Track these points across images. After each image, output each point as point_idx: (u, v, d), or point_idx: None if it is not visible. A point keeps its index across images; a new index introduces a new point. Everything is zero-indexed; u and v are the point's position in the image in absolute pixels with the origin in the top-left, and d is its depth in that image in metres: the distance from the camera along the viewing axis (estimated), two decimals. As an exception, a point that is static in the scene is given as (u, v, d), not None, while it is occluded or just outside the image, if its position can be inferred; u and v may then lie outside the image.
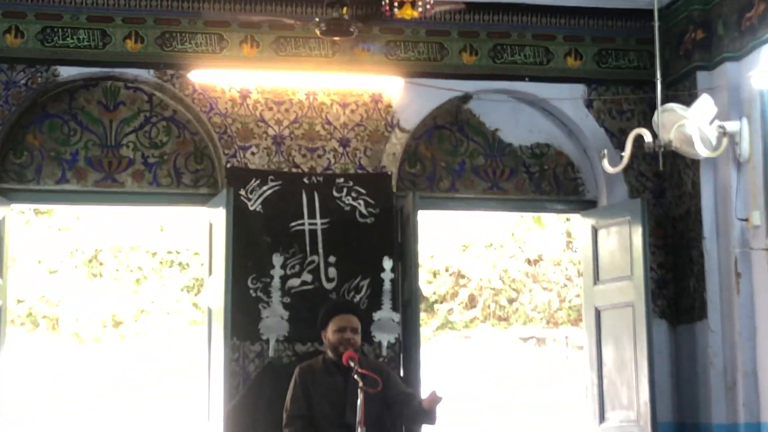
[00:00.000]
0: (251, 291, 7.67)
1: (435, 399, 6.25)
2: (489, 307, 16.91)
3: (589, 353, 8.18)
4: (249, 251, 7.68)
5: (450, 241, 16.66)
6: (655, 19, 6.81)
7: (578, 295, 14.92)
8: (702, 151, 6.71)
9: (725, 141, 6.75)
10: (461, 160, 8.39)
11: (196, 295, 15.95)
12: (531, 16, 8.27)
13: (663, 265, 8.18)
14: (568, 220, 15.50)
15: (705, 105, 7.20)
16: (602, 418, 7.94)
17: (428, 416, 6.43)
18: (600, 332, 8.05)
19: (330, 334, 6.53)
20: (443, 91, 8.15)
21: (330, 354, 6.51)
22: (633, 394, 7.62)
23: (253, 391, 7.54)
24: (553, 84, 8.29)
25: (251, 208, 7.78)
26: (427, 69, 8.15)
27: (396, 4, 7.13)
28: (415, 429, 7.08)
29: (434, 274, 16.69)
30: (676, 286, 8.11)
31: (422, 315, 15.90)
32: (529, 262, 16.84)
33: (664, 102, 7.17)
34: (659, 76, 6.80)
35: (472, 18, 8.16)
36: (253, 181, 7.83)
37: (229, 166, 7.86)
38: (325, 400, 6.45)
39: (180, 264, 16.21)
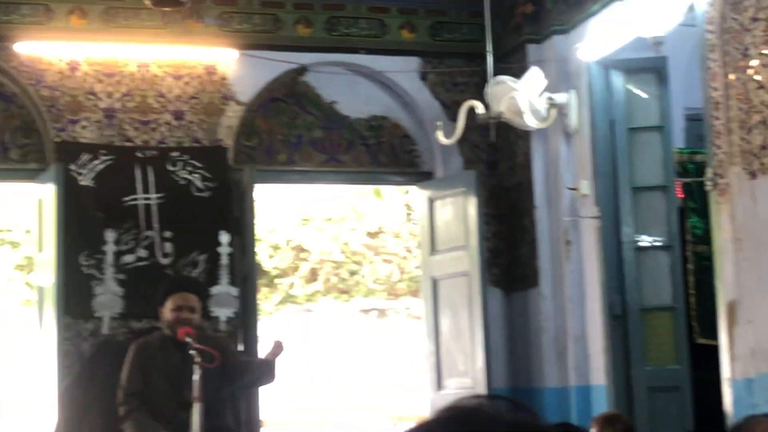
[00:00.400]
0: (84, 268, 7.50)
1: (278, 347, 6.28)
2: (330, 280, 16.96)
3: (427, 323, 8.30)
4: (81, 227, 7.51)
5: (290, 214, 16.64)
6: (486, -7, 6.92)
7: (418, 267, 15.11)
8: (532, 123, 6.87)
9: (554, 112, 6.93)
10: (298, 133, 8.37)
11: (28, 274, 15.52)
12: (366, -12, 8.30)
13: (497, 234, 8.35)
14: (407, 192, 15.68)
15: (534, 77, 7.36)
16: (439, 385, 8.07)
17: (267, 373, 6.46)
18: (437, 302, 8.18)
19: (167, 312, 6.51)
20: (279, 63, 8.10)
21: (167, 331, 6.47)
22: (469, 361, 7.77)
23: (88, 369, 7.39)
24: (389, 57, 8.34)
25: (82, 183, 7.59)
26: (263, 41, 8.08)
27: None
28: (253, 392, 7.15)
29: (275, 248, 16.65)
30: (510, 255, 8.29)
31: (263, 290, 15.89)
32: (369, 234, 16.95)
33: (495, 74, 7.31)
34: (490, 48, 6.91)
35: (308, -10, 8.14)
36: (83, 155, 7.64)
37: (58, 140, 7.65)
38: (163, 376, 6.41)
39: (11, 242, 15.72)
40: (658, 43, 6.07)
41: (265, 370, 6.67)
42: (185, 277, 7.48)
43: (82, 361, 7.44)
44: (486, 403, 1.59)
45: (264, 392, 7.69)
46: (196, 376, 6.04)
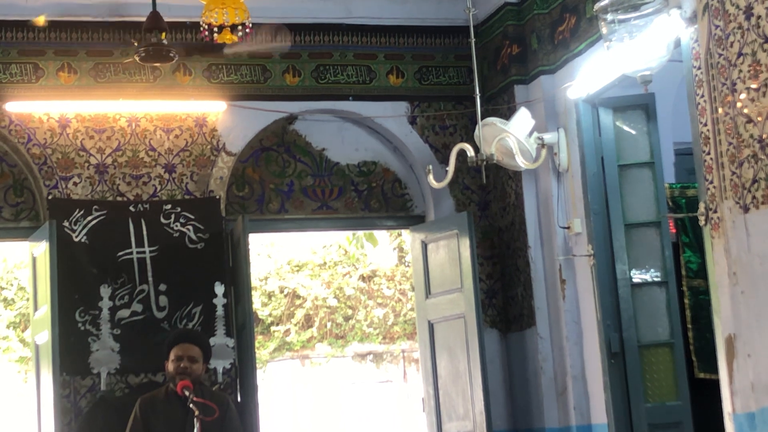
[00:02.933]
0: (79, 324, 7.48)
1: None
2: (326, 325, 16.92)
3: (424, 366, 8.27)
4: (75, 284, 7.50)
5: (284, 261, 16.62)
6: (471, 36, 6.96)
7: (413, 309, 15.07)
8: (522, 163, 6.88)
9: (544, 152, 6.95)
10: (289, 181, 8.39)
11: (23, 331, 15.45)
12: (352, 35, 8.35)
13: (491, 275, 8.35)
14: (399, 235, 15.68)
15: (523, 118, 7.39)
16: (440, 429, 8.03)
17: None
18: (434, 345, 8.15)
19: (169, 363, 6.61)
20: (268, 113, 8.14)
21: (171, 384, 6.53)
22: (468, 404, 7.74)
23: (86, 426, 7.36)
24: (377, 102, 8.38)
25: (76, 240, 7.59)
26: (251, 91, 8.13)
27: (215, 29, 7.11)
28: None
29: (269, 296, 16.61)
30: (505, 296, 8.29)
31: (258, 338, 15.84)
32: (363, 278, 16.93)
33: (484, 116, 7.34)
34: (478, 91, 6.94)
35: (294, 39, 8.18)
36: (76, 211, 7.64)
37: (50, 197, 7.66)
38: (165, 430, 6.41)
39: (5, 299, 15.67)
40: (646, 81, 6.10)
41: None
42: (186, 329, 7.48)
43: (80, 418, 7.40)
44: None
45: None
46: (195, 430, 6.03)
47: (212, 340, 7.59)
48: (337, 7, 8.28)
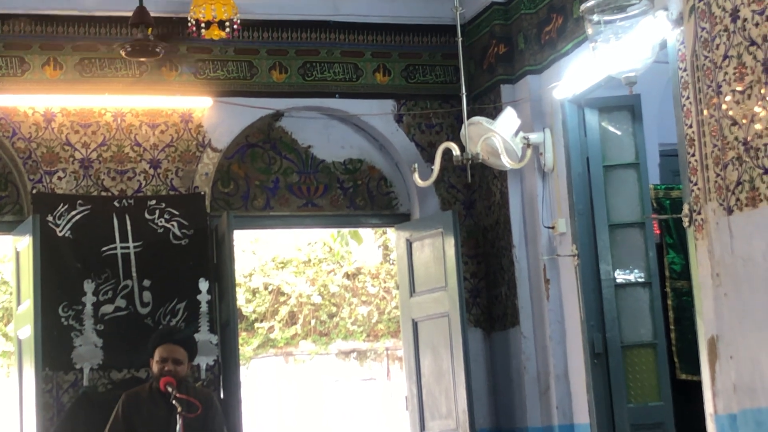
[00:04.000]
0: (63, 319, 7.46)
1: None
2: (310, 323, 16.90)
3: (408, 364, 8.28)
4: (59, 278, 7.47)
5: (268, 258, 16.60)
6: (458, 35, 6.96)
7: (397, 307, 15.09)
8: (508, 163, 6.89)
9: (529, 152, 6.95)
10: (275, 178, 8.38)
11: (5, 325, 15.40)
12: (339, 33, 8.34)
13: (476, 274, 8.37)
14: (384, 233, 15.68)
15: (509, 117, 7.41)
16: (423, 427, 8.04)
17: None
18: (418, 343, 8.16)
19: (154, 363, 6.60)
20: (254, 109, 8.13)
21: (155, 383, 6.53)
22: (451, 402, 7.75)
23: (69, 422, 7.33)
24: (363, 100, 8.38)
25: (60, 234, 7.57)
26: (238, 88, 8.12)
27: (203, 24, 7.10)
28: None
29: (253, 293, 16.59)
30: (489, 295, 8.31)
31: (242, 334, 15.82)
32: (347, 276, 16.93)
33: (470, 115, 7.34)
34: (465, 90, 6.95)
35: (281, 36, 8.18)
36: (61, 206, 7.62)
37: (34, 191, 7.63)
38: (146, 427, 6.41)
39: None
40: (631, 83, 6.12)
41: None
42: (173, 329, 7.44)
43: (63, 413, 7.38)
44: None
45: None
46: (178, 426, 6.02)
47: (196, 337, 7.57)
48: (325, 4, 8.27)
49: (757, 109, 5.20)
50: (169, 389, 6.26)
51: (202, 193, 7.95)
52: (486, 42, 8.25)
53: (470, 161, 6.79)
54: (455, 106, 8.22)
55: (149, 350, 6.67)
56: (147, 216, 7.78)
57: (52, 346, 7.32)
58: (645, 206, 7.29)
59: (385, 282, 16.86)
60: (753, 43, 5.23)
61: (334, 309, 16.96)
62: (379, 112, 8.39)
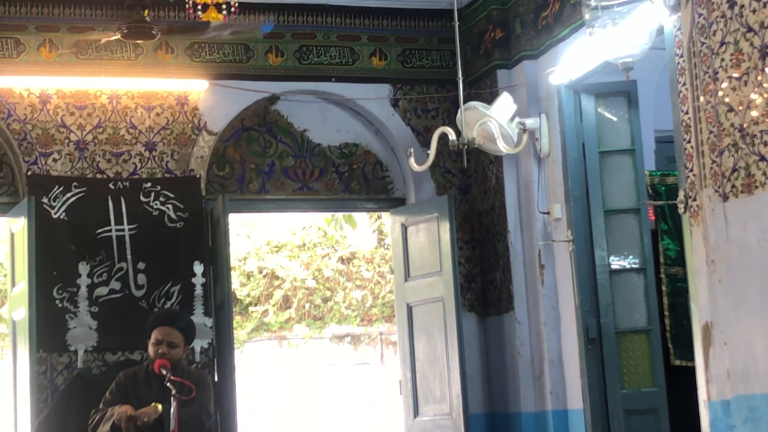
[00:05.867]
0: (57, 301, 7.46)
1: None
2: (304, 307, 16.92)
3: (402, 349, 8.29)
4: (54, 260, 7.47)
5: (263, 242, 16.60)
6: (455, 19, 6.96)
7: (391, 292, 15.10)
8: (503, 148, 6.89)
9: (525, 137, 6.96)
10: (270, 162, 8.38)
11: (0, 307, 15.39)
12: (336, 17, 8.32)
13: (471, 259, 8.37)
14: (379, 217, 15.68)
15: (505, 102, 7.40)
16: (416, 412, 8.06)
17: None
18: (412, 328, 8.17)
19: (150, 345, 6.60)
20: (250, 92, 8.11)
21: (151, 364, 6.54)
22: (445, 387, 7.76)
23: (63, 403, 7.33)
24: (360, 84, 8.37)
25: (55, 216, 7.56)
26: (233, 71, 8.10)
27: (200, 7, 7.07)
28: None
29: (248, 277, 16.59)
30: (484, 280, 8.31)
31: (236, 318, 15.82)
32: (342, 260, 16.93)
33: (466, 100, 7.34)
34: (461, 74, 6.95)
35: (278, 19, 8.15)
36: (56, 188, 7.61)
37: (29, 173, 7.62)
38: (141, 407, 6.42)
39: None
40: (627, 68, 6.11)
41: None
42: (171, 311, 7.42)
43: (57, 395, 7.38)
44: None
45: (241, 421, 7.65)
46: (172, 409, 6.03)
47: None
48: (322, -13, 8.26)
49: (753, 95, 5.20)
50: (164, 372, 6.27)
51: (198, 176, 7.95)
52: (483, 27, 8.23)
53: (466, 146, 6.80)
54: (451, 91, 8.21)
55: (147, 332, 6.67)
56: (142, 198, 7.77)
57: (47, 328, 7.32)
58: (640, 192, 7.29)
59: (379, 266, 16.87)
60: (750, 29, 5.23)
61: (328, 293, 16.97)
62: (375, 97, 8.38)
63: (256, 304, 16.71)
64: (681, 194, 5.81)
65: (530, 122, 7.51)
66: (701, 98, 5.57)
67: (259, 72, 8.14)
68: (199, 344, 7.62)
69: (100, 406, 6.55)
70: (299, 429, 17.27)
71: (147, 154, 7.89)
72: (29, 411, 7.08)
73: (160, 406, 6.19)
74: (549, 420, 7.59)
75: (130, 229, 7.70)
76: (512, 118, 7.40)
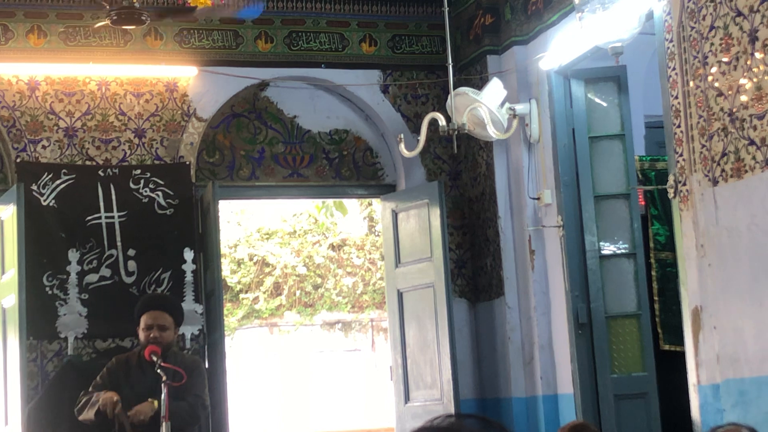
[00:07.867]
0: (47, 288, 7.45)
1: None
2: (294, 294, 16.91)
3: (393, 335, 8.30)
4: (43, 248, 7.46)
5: (253, 229, 16.58)
6: (445, 5, 6.93)
7: (382, 278, 15.10)
8: (493, 133, 6.89)
9: (515, 123, 6.95)
10: (260, 148, 8.36)
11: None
12: (325, 3, 8.31)
13: (461, 245, 8.38)
14: (370, 204, 15.67)
15: (495, 88, 7.39)
16: (407, 398, 8.07)
17: None
18: (403, 314, 8.18)
19: (140, 331, 6.57)
20: (240, 79, 8.10)
21: (142, 350, 6.52)
22: (436, 373, 7.77)
23: (53, 390, 7.33)
24: (349, 70, 8.36)
25: (44, 203, 7.54)
26: (223, 57, 8.08)
27: (188, -9, 7.05)
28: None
29: (238, 263, 16.58)
30: (474, 265, 8.32)
31: (227, 305, 15.81)
32: (332, 247, 16.93)
33: (456, 86, 7.33)
34: (451, 60, 6.93)
35: (267, 5, 8.13)
36: (45, 175, 7.59)
37: (18, 160, 7.60)
38: (132, 394, 6.41)
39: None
40: (617, 53, 6.11)
41: None
42: (157, 295, 7.39)
43: (47, 382, 7.37)
44: (458, 422, 1.59)
45: (232, 408, 7.65)
46: (162, 395, 6.02)
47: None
48: (311, -27, 8.23)
49: (742, 80, 5.20)
50: (154, 358, 6.26)
51: (187, 162, 7.93)
52: (472, 12, 8.22)
53: (456, 132, 6.79)
54: (441, 77, 8.20)
55: (135, 318, 6.64)
56: (132, 185, 7.75)
57: (37, 316, 7.31)
58: (630, 177, 7.30)
59: (370, 253, 16.86)
60: (739, 13, 5.23)
61: (319, 280, 16.96)
62: (365, 83, 8.37)
63: (246, 291, 16.70)
64: (671, 179, 5.82)
65: (520, 108, 7.50)
66: (691, 83, 5.57)
67: (248, 58, 8.13)
68: (189, 331, 7.62)
69: (89, 389, 6.54)
70: (290, 416, 17.29)
71: (136, 140, 7.88)
72: (20, 398, 7.08)
73: (156, 403, 6.16)
74: (539, 405, 7.61)
75: (119, 216, 7.68)
76: (502, 104, 7.39)
